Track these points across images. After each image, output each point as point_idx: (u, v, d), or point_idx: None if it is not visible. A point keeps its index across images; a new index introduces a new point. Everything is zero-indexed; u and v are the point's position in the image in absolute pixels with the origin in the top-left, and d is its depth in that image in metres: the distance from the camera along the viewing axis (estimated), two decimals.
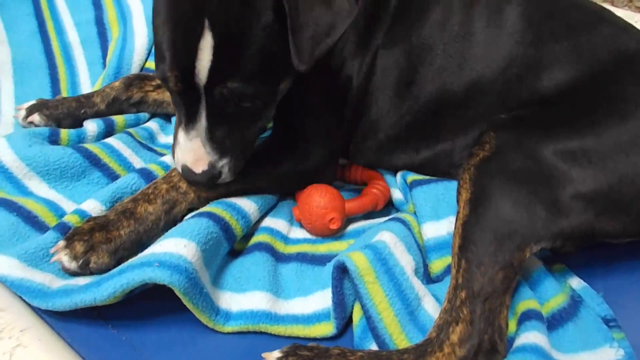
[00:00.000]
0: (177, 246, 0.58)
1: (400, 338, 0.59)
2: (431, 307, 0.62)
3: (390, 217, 0.72)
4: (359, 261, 0.60)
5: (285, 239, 0.72)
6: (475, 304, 0.57)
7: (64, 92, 0.97)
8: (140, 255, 0.60)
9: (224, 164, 0.65)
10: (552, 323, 0.62)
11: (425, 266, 0.68)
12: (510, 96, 0.72)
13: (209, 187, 0.68)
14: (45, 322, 0.57)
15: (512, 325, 0.60)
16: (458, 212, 0.64)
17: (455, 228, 0.64)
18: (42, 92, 0.95)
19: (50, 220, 0.67)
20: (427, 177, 0.76)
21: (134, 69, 0.98)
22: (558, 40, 0.71)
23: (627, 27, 0.74)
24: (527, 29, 0.72)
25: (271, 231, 0.72)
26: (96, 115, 0.87)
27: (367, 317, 0.60)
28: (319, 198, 0.71)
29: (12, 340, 0.53)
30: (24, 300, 0.59)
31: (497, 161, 0.64)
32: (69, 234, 0.62)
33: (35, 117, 0.83)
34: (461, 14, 0.73)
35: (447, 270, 0.66)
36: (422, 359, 0.56)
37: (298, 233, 0.74)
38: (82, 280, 0.60)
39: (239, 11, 0.58)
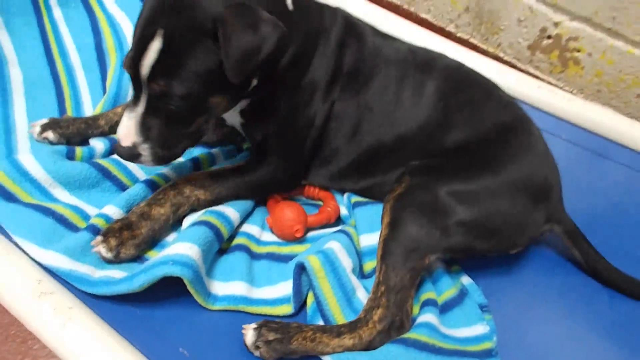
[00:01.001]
0: (185, 248, 0.78)
1: (340, 317, 0.81)
2: (362, 296, 0.85)
3: (338, 228, 0.94)
4: (313, 262, 0.82)
5: (258, 242, 0.93)
6: (390, 295, 0.80)
7: (69, 110, 1.09)
8: (158, 256, 0.79)
9: (145, 147, 0.78)
10: (445, 308, 0.86)
11: (361, 266, 0.91)
12: (424, 148, 0.95)
13: (129, 161, 0.80)
14: (84, 303, 0.76)
15: (416, 309, 0.84)
16: (382, 231, 0.87)
17: (379, 242, 0.86)
18: (50, 109, 1.07)
19: (78, 221, 0.85)
20: (366, 200, 0.98)
21: (130, 95, 1.13)
22: (459, 110, 0.95)
23: (509, 103, 1.00)
24: (440, 99, 0.95)
25: (247, 235, 0.92)
26: (101, 135, 1.04)
27: (317, 302, 0.82)
28: (289, 213, 0.92)
29: (64, 315, 0.72)
30: (68, 286, 0.77)
31: (408, 196, 0.86)
32: (104, 231, 0.81)
33: (50, 134, 0.98)
34: (395, 84, 0.95)
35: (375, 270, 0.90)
36: (354, 331, 0.78)
37: (268, 237, 0.94)
38: (117, 274, 0.79)
39: (186, 30, 0.73)
